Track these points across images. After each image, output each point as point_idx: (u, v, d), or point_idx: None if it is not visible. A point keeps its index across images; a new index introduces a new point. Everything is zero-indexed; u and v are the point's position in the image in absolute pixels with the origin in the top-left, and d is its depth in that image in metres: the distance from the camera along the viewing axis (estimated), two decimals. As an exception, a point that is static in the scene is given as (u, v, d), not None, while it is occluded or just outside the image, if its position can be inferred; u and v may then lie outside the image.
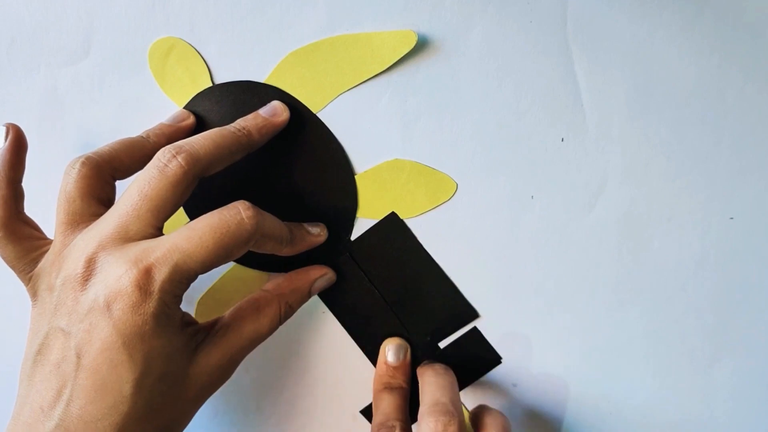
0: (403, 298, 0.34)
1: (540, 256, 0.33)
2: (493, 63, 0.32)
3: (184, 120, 0.32)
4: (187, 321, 0.28)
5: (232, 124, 0.30)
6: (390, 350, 0.33)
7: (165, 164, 0.26)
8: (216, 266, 0.26)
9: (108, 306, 0.24)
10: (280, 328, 0.34)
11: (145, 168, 0.27)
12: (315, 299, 0.34)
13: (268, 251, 0.29)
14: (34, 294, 0.28)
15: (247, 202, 0.27)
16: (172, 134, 0.31)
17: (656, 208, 0.32)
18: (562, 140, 0.32)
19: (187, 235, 0.25)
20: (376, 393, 0.32)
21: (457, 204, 0.33)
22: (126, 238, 0.26)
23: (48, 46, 0.33)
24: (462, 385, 0.35)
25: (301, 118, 0.32)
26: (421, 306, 0.34)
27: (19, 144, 0.29)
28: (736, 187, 0.32)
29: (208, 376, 0.27)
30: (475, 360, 0.34)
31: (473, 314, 0.34)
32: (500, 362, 0.34)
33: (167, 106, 0.33)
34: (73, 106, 0.33)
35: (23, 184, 0.30)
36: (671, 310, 0.33)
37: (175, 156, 0.26)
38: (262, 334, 0.30)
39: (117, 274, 0.24)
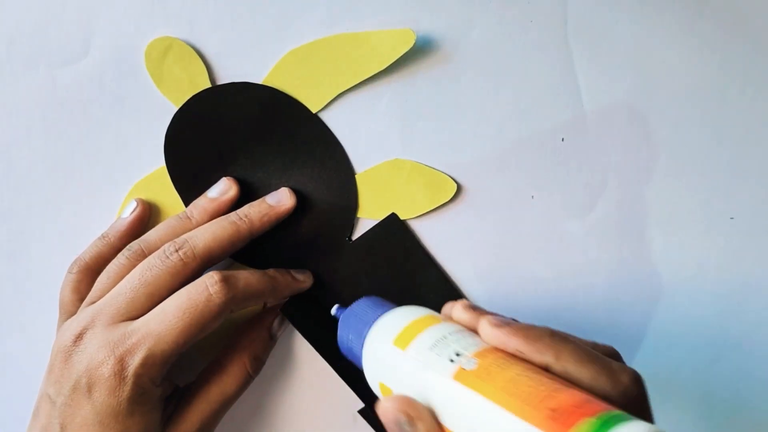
0: (403, 299, 0.34)
1: (540, 256, 0.33)
2: (493, 63, 0.32)
3: (226, 193, 0.32)
4: (167, 395, 0.29)
5: (236, 212, 0.31)
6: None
7: (167, 256, 0.29)
8: (193, 342, 0.28)
9: (89, 388, 0.27)
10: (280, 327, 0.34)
11: (151, 256, 0.29)
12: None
13: (251, 306, 0.31)
14: None
15: (216, 275, 0.28)
16: (214, 212, 0.32)
17: (656, 208, 0.32)
18: (562, 140, 0.32)
19: (160, 318, 0.27)
20: None
21: (458, 204, 0.33)
22: (117, 317, 0.28)
23: (48, 46, 0.33)
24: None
25: (301, 118, 0.32)
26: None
27: (141, 220, 0.33)
28: (736, 187, 0.32)
29: None
30: (475, 360, 0.34)
31: (473, 314, 0.34)
32: (500, 362, 0.34)
33: (167, 106, 0.33)
34: (73, 105, 0.33)
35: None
36: (671, 310, 0.33)
37: (177, 251, 0.29)
38: (229, 395, 0.30)
39: (98, 360, 0.27)
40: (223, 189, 0.32)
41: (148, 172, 0.33)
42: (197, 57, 0.32)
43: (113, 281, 0.29)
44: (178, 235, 0.30)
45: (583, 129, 0.32)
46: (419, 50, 0.32)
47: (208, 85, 0.32)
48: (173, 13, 0.32)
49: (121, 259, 0.30)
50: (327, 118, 0.33)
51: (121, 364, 0.26)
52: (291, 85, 0.32)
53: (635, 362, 0.34)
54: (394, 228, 0.33)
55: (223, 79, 0.33)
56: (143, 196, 0.33)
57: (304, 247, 0.33)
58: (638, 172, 0.32)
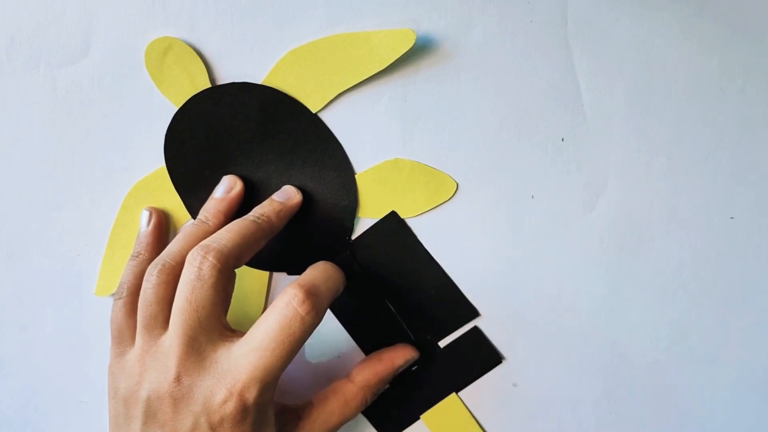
0: (403, 297, 0.34)
1: (540, 255, 0.33)
2: (493, 63, 0.32)
3: (232, 189, 0.32)
4: (278, 410, 0.30)
5: (251, 213, 0.31)
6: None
7: (199, 268, 0.27)
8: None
9: (212, 428, 0.27)
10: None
11: (184, 274, 0.28)
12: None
13: None
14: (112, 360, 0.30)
15: (300, 293, 0.28)
16: (227, 210, 0.32)
17: (656, 208, 0.32)
18: (562, 140, 0.32)
19: (260, 352, 0.27)
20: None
21: (458, 204, 0.33)
22: (200, 351, 0.27)
23: (48, 46, 0.33)
24: (462, 385, 0.35)
25: (301, 118, 0.32)
26: (421, 305, 0.34)
27: (161, 226, 0.33)
28: (736, 187, 0.32)
29: None
30: (475, 359, 0.34)
31: (473, 313, 0.34)
32: (501, 362, 0.34)
33: (167, 106, 0.33)
34: (73, 105, 0.33)
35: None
36: (671, 310, 0.33)
37: (205, 257, 0.28)
38: (346, 421, 0.32)
39: (218, 400, 0.27)
40: (228, 186, 0.32)
41: (148, 172, 0.33)
42: (197, 57, 0.32)
43: (157, 306, 0.29)
44: (199, 241, 0.29)
45: (583, 129, 0.32)
46: (419, 50, 0.32)
47: (208, 85, 0.32)
48: (173, 13, 0.32)
49: (151, 280, 0.29)
50: (327, 118, 0.33)
51: (241, 398, 0.27)
52: (291, 85, 0.32)
53: (635, 363, 0.34)
54: (393, 227, 0.33)
55: (223, 79, 0.33)
56: (143, 196, 0.33)
57: (304, 246, 0.33)
58: (638, 172, 0.32)
